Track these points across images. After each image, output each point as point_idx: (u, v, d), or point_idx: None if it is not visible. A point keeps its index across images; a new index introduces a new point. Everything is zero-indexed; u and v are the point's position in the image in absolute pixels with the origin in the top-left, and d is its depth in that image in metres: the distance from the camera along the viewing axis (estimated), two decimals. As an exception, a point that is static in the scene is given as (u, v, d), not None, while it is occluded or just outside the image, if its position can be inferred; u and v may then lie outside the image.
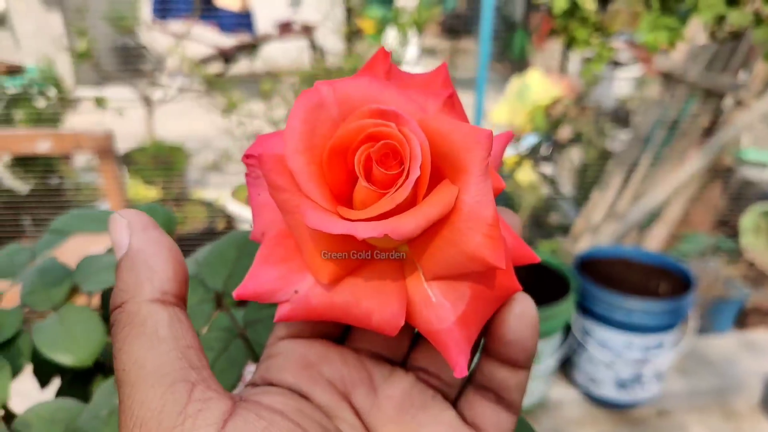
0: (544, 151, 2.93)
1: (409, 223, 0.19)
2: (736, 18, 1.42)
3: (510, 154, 2.80)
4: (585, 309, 1.73)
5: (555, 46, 4.25)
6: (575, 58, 4.05)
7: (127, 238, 0.22)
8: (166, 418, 0.19)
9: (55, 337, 0.44)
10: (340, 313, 0.21)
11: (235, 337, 0.38)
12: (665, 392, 1.82)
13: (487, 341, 0.24)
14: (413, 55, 2.24)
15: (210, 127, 2.49)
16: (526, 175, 2.61)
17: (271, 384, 0.24)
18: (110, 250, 0.57)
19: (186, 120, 2.94)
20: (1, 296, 0.52)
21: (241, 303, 0.40)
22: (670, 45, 1.39)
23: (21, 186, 2.38)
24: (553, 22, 1.47)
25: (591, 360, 1.75)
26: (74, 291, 0.52)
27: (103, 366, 0.52)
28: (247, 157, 0.22)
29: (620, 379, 1.74)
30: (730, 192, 2.28)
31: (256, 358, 0.37)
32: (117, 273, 0.21)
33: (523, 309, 0.23)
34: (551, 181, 2.57)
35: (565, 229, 2.41)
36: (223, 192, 2.55)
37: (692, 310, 1.83)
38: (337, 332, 0.26)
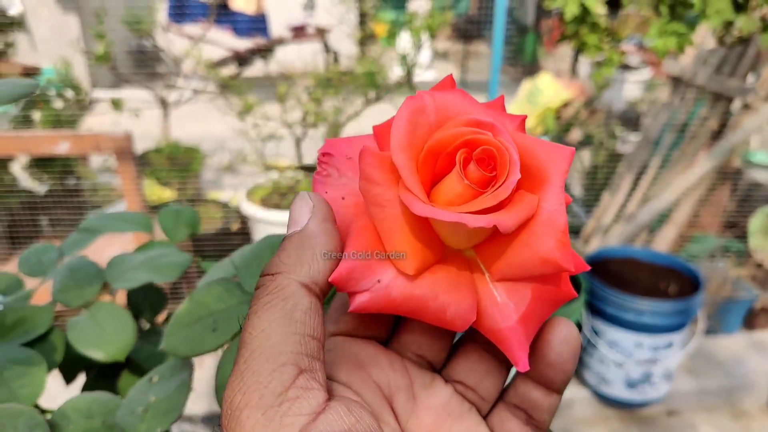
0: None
1: (511, 218, 0.21)
2: (744, 24, 1.45)
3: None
4: (595, 309, 1.76)
5: (566, 49, 4.27)
6: (586, 62, 4.07)
7: (306, 219, 0.23)
8: (268, 393, 0.20)
9: (88, 333, 0.47)
10: (417, 306, 0.23)
11: None
12: (674, 392, 1.84)
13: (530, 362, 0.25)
14: (426, 58, 2.28)
15: (225, 129, 2.54)
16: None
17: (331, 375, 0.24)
18: (138, 249, 0.60)
19: (201, 122, 2.98)
20: (31, 293, 0.54)
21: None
22: (679, 50, 1.42)
23: (38, 186, 2.43)
24: (564, 27, 1.50)
25: (601, 360, 1.78)
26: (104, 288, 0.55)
27: (130, 361, 0.54)
28: (323, 155, 0.24)
29: (630, 379, 1.77)
30: (738, 194, 2.30)
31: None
32: (283, 244, 0.22)
33: (568, 333, 0.24)
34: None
35: (575, 231, 2.43)
36: (238, 193, 2.59)
37: (701, 310, 1.86)
38: (384, 335, 0.27)
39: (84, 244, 0.59)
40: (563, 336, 0.24)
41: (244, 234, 2.50)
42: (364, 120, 2.40)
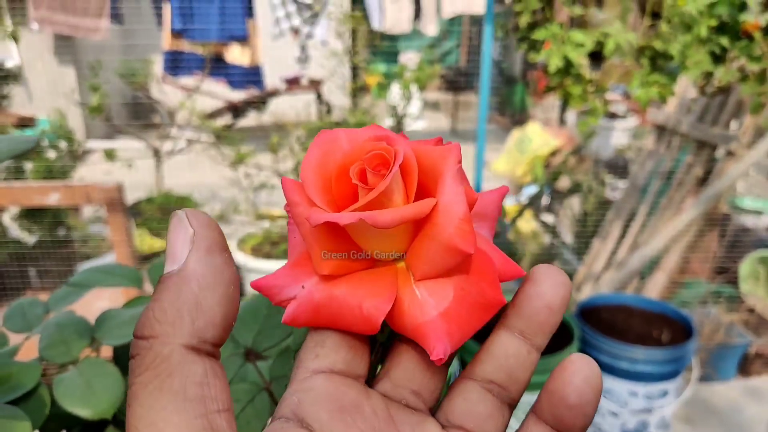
0: (545, 200, 2.99)
1: (385, 215, 0.22)
2: (723, 74, 1.50)
3: (511, 203, 2.86)
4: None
5: (554, 99, 4.37)
6: (573, 111, 4.16)
7: (185, 253, 0.18)
8: None
9: (76, 390, 0.46)
10: (338, 307, 0.23)
11: (260, 390, 0.40)
12: (671, 442, 1.81)
13: (543, 403, 0.23)
14: (416, 109, 2.32)
15: (217, 179, 2.56)
16: (527, 224, 2.66)
17: (303, 420, 0.21)
18: (128, 304, 0.60)
19: (193, 172, 3.01)
20: (17, 349, 0.52)
21: (260, 357, 0.43)
22: (661, 100, 1.46)
23: (27, 237, 2.42)
24: (549, 78, 1.54)
25: (597, 410, 1.75)
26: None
27: (115, 418, 0.53)
28: (288, 205, 0.25)
29: (626, 429, 1.74)
30: (727, 239, 2.32)
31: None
32: (157, 291, 0.18)
33: (591, 373, 0.22)
34: (552, 230, 2.62)
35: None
36: (229, 242, 2.59)
37: (695, 357, 1.84)
38: (366, 372, 0.24)
39: (72, 299, 0.58)
40: (585, 375, 0.22)
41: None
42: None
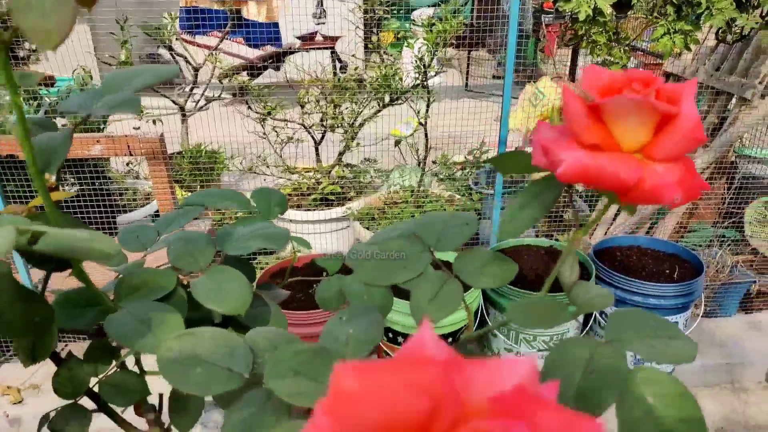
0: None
1: (657, 101, 0.35)
2: (745, 21, 1.59)
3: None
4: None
5: (563, 53, 4.42)
6: (582, 66, 4.22)
7: None
8: None
9: (210, 291, 0.53)
10: (600, 170, 0.34)
11: (449, 278, 0.47)
12: (679, 370, 1.96)
13: None
14: (433, 63, 2.40)
15: (246, 133, 2.66)
16: (541, 174, 2.77)
17: None
18: (238, 223, 0.69)
19: (219, 128, 3.11)
20: (143, 263, 0.61)
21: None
22: (686, 48, 1.56)
23: (66, 188, 2.53)
24: (577, 27, 1.63)
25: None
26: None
27: (233, 320, 0.59)
28: (568, 101, 0.36)
29: (639, 359, 1.89)
30: (734, 186, 2.44)
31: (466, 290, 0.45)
32: None
33: None
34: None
35: (580, 224, 2.56)
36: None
37: (702, 292, 1.99)
38: None
39: (180, 223, 0.66)
40: None
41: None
42: (381, 122, 2.53)
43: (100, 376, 0.55)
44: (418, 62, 2.28)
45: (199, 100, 3.14)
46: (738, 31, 1.87)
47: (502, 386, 0.18)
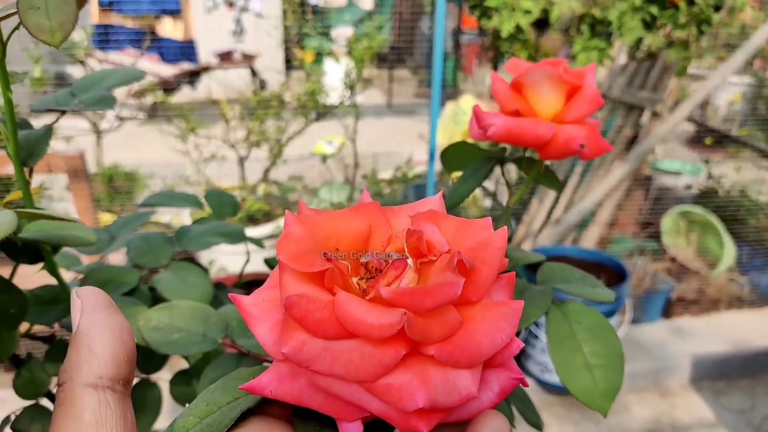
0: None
1: (566, 71, 0.43)
2: (652, 40, 1.67)
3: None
4: (535, 303, 1.91)
5: (483, 73, 4.54)
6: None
7: (77, 317, 0.23)
8: None
9: (175, 285, 0.54)
10: (522, 130, 0.41)
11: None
12: (608, 376, 2.00)
13: None
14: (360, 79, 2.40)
15: (163, 154, 2.54)
16: (475, 207, 2.80)
17: None
18: (197, 222, 0.68)
19: (136, 148, 2.97)
20: (101, 263, 0.61)
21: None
22: (600, 63, 1.61)
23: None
24: (500, 44, 1.66)
25: (543, 349, 1.92)
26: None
27: None
28: (497, 86, 0.42)
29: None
30: (650, 198, 2.55)
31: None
32: (68, 350, 0.22)
33: (498, 426, 0.23)
34: (491, 195, 2.77)
35: (508, 238, 2.60)
36: (181, 215, 2.59)
37: (628, 299, 2.05)
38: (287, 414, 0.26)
39: (134, 226, 0.66)
40: (494, 427, 0.23)
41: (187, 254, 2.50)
42: (308, 138, 2.49)
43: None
44: (346, 78, 2.26)
45: (119, 118, 2.98)
46: (646, 49, 1.98)
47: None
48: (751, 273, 2.43)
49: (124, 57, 3.99)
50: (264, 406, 0.25)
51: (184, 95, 4.32)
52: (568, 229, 2.21)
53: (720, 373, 2.11)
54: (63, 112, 0.51)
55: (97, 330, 0.22)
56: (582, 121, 0.43)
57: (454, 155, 0.53)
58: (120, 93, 3.00)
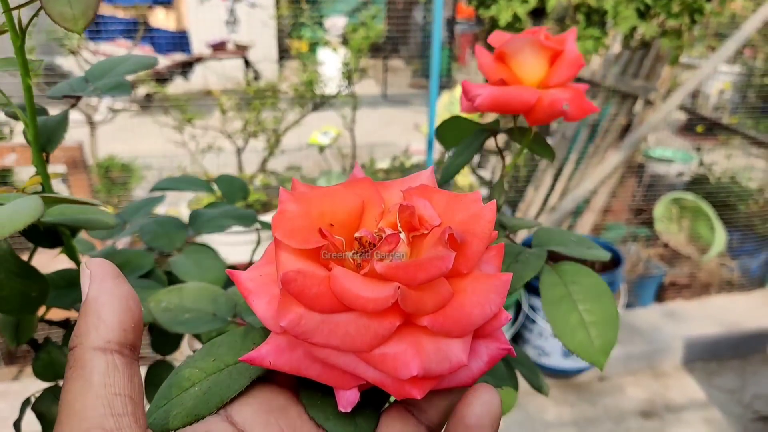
0: (476, 158, 3.17)
1: (544, 39, 0.45)
2: (646, 29, 1.69)
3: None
4: (531, 288, 1.94)
5: (476, 63, 4.56)
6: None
7: (87, 286, 0.24)
8: None
9: (189, 267, 0.56)
10: (508, 98, 0.43)
11: None
12: (604, 359, 2.05)
13: (449, 424, 0.25)
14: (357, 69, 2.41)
15: (159, 146, 2.55)
16: (464, 178, 2.83)
17: (230, 416, 0.25)
18: (208, 206, 0.70)
19: (131, 140, 2.96)
20: (114, 248, 0.63)
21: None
22: (596, 51, 1.64)
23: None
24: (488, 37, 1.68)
25: (540, 333, 1.96)
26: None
27: None
28: (482, 59, 0.43)
29: (565, 349, 1.96)
30: (643, 186, 2.60)
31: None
32: (78, 318, 0.23)
33: (489, 399, 0.24)
34: (487, 183, 2.80)
35: (503, 226, 2.63)
36: (179, 206, 2.60)
37: (622, 284, 2.09)
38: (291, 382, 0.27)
39: (146, 210, 0.67)
40: (484, 400, 0.24)
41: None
42: (306, 128, 2.50)
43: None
44: (344, 68, 2.27)
45: (112, 110, 2.98)
46: (640, 38, 2.01)
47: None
48: (742, 257, 2.48)
49: (116, 48, 3.97)
50: (270, 373, 0.26)
51: (177, 86, 4.31)
52: (563, 216, 2.25)
53: (712, 355, 2.16)
54: (78, 100, 0.51)
55: (105, 298, 0.23)
56: (566, 84, 0.44)
57: (449, 130, 0.55)
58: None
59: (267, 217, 1.98)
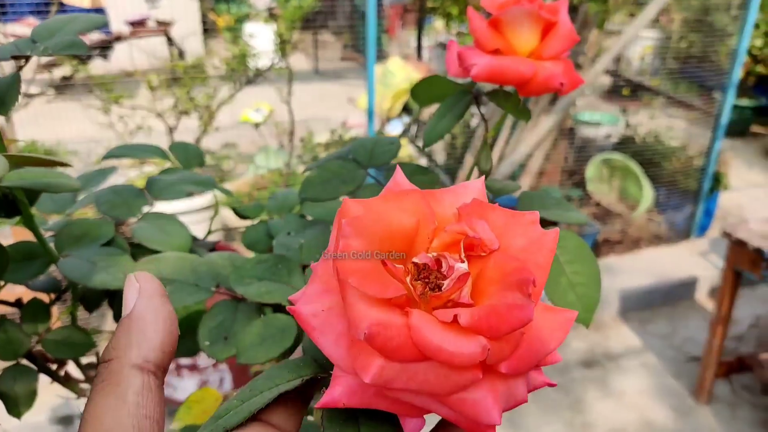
0: (412, 130, 3.20)
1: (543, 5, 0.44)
2: (575, -7, 1.74)
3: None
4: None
5: (408, 35, 4.57)
6: (427, 46, 4.40)
7: (133, 301, 0.24)
8: None
9: (153, 234, 0.54)
10: (503, 71, 0.43)
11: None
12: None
13: None
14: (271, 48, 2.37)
15: (85, 127, 2.44)
16: (403, 150, 2.85)
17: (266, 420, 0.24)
18: (163, 173, 0.67)
19: (53, 123, 2.81)
20: (70, 219, 0.60)
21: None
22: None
23: None
24: (415, 9, 1.68)
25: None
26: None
27: None
28: (475, 23, 0.43)
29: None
30: (574, 148, 2.69)
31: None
32: (116, 330, 0.23)
33: None
34: (427, 154, 2.83)
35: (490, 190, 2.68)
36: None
37: (560, 244, 2.17)
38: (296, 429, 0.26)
39: (99, 181, 0.64)
40: None
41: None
42: (239, 104, 2.44)
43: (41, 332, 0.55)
44: (278, 38, 2.23)
45: (26, 95, 2.81)
46: (569, 2, 2.06)
47: (464, 202, 0.24)
48: (668, 212, 2.62)
49: (26, 28, 3.73)
50: (266, 412, 0.25)
51: (97, 68, 4.10)
52: (502, 180, 2.31)
53: (645, 304, 2.28)
54: (27, 59, 0.46)
55: (152, 316, 0.23)
56: (558, 57, 0.44)
57: (426, 89, 0.53)
58: (26, 68, 2.81)
59: (204, 198, 1.93)
